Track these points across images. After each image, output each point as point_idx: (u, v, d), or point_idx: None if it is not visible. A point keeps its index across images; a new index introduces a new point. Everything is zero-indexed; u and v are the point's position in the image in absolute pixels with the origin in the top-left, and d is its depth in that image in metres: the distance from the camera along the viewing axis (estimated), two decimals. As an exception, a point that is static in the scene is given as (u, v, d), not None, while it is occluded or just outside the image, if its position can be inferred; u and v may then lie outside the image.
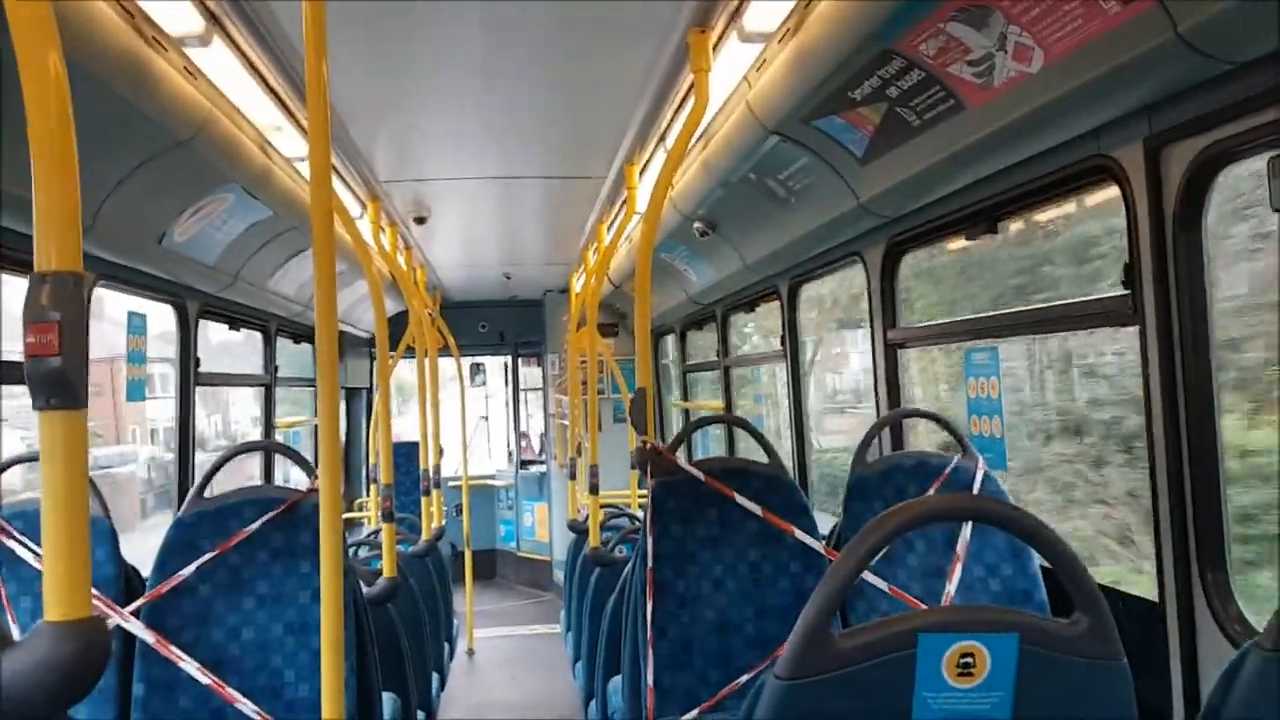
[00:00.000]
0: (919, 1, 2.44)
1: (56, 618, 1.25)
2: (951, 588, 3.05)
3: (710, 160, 4.25)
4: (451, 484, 9.53)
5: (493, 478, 11.45)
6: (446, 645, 6.34)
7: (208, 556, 2.96)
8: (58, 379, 1.24)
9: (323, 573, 2.14)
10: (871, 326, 4.23)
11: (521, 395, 11.59)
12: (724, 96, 3.71)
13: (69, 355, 1.25)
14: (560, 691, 6.71)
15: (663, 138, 4.30)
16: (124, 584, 3.13)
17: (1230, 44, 2.00)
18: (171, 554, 3.00)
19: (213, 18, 2.86)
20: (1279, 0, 1.83)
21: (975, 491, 3.25)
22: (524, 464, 11.07)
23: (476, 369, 11.69)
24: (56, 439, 1.26)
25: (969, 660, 1.31)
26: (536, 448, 11.33)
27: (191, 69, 3.14)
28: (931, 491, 3.31)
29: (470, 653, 8.09)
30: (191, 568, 2.94)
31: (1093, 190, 2.90)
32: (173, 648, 2.77)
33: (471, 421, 9.96)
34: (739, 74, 3.49)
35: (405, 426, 12.44)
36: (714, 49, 3.18)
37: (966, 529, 3.14)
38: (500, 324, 10.94)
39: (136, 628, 2.78)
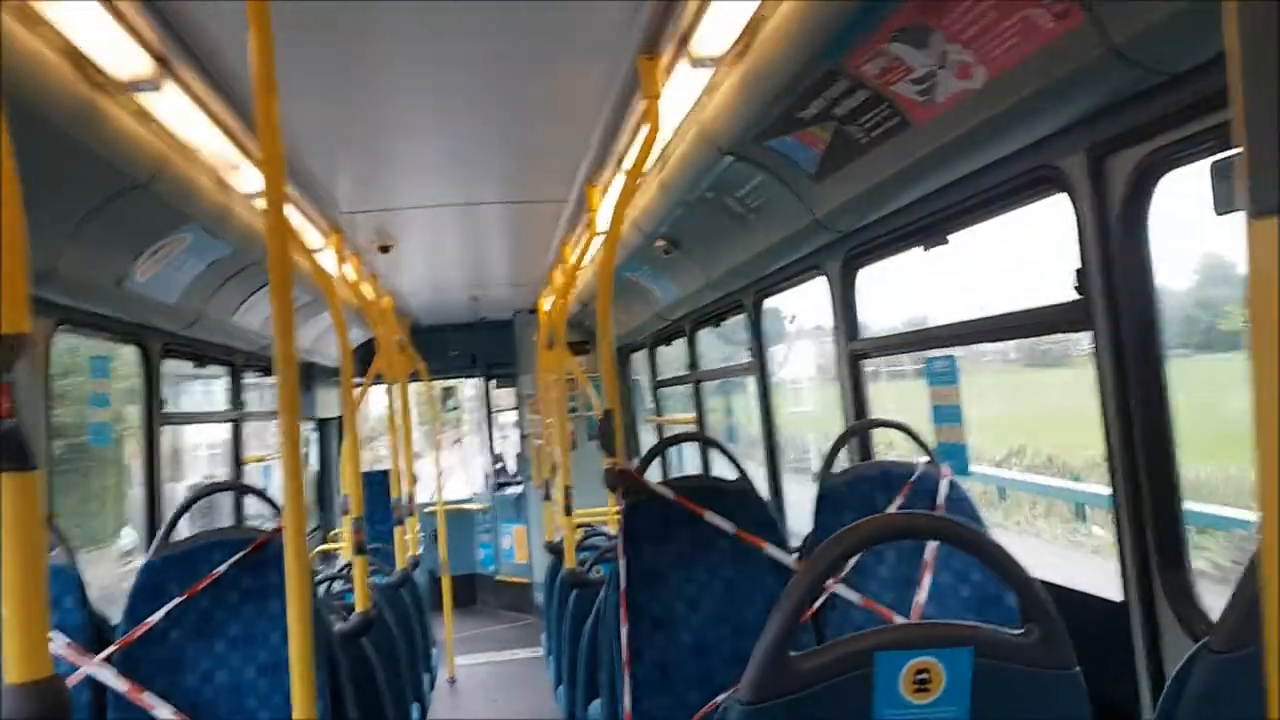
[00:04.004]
0: (861, 24, 2.48)
1: (16, 680, 1.25)
2: (922, 597, 3.08)
3: (668, 181, 4.28)
4: (427, 510, 9.48)
5: (469, 501, 11.39)
6: (427, 675, 6.30)
7: (176, 601, 2.95)
8: (10, 442, 1.24)
9: (290, 612, 2.13)
10: (836, 338, 4.27)
11: (495, 417, 11.57)
12: (677, 120, 3.75)
13: (21, 417, 1.25)
14: (543, 716, 6.69)
15: (620, 160, 4.34)
16: (93, 632, 3.10)
17: (1162, 55, 2.05)
18: (141, 599, 2.98)
19: (161, 61, 2.86)
20: (1207, 14, 1.88)
21: (940, 499, 3.28)
22: (500, 486, 11.04)
23: (448, 393, 11.66)
24: (11, 502, 1.26)
25: (925, 676, 1.33)
26: (512, 469, 11.30)
27: (144, 112, 3.14)
28: (898, 500, 3.35)
29: (452, 681, 8.05)
30: (161, 613, 2.92)
31: (1041, 199, 2.96)
32: (145, 694, 2.76)
33: (446, 446, 9.92)
34: (691, 98, 3.52)
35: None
36: (664, 74, 3.22)
37: None
38: (471, 346, 10.92)
39: (108, 676, 2.76)
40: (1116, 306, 2.54)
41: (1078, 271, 2.69)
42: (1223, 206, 2.26)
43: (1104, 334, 2.58)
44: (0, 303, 1.25)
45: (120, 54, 2.74)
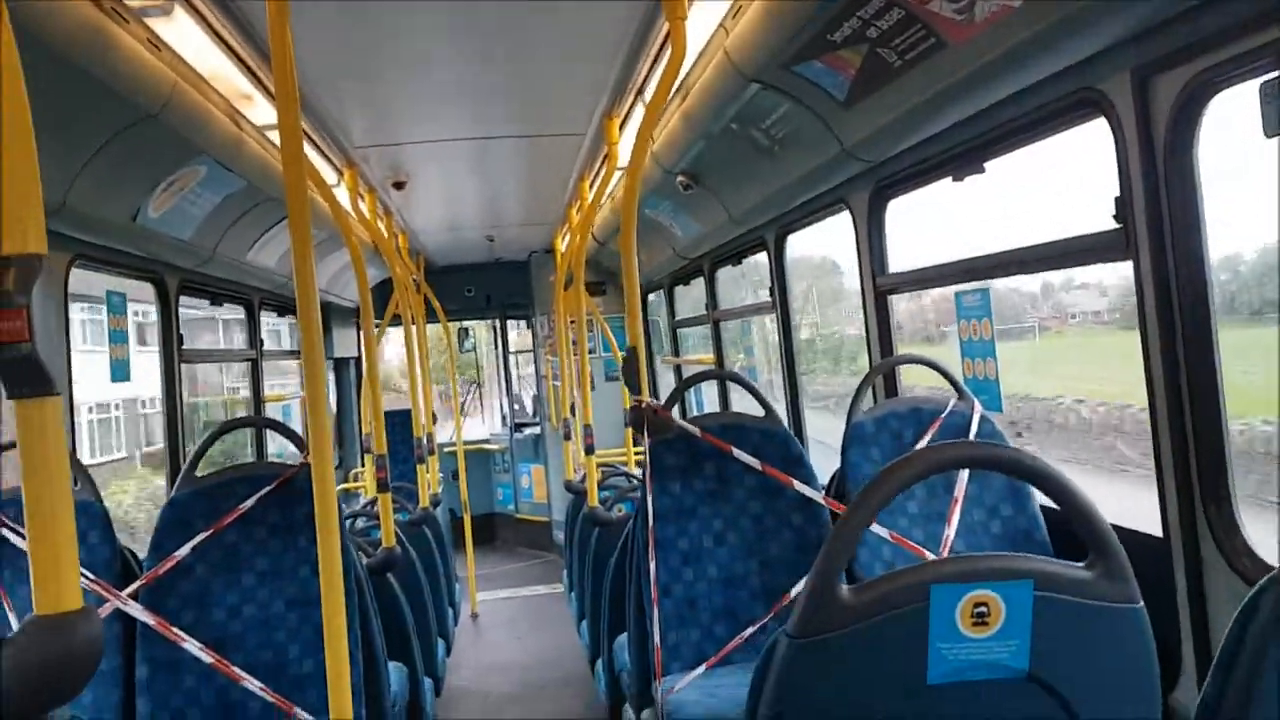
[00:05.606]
0: None
1: (47, 610, 1.22)
2: (951, 532, 3.05)
3: (690, 111, 4.18)
4: (447, 450, 9.51)
5: (487, 441, 11.44)
6: (450, 610, 6.36)
7: (203, 536, 2.94)
8: (30, 366, 1.20)
9: (320, 547, 2.12)
10: (861, 274, 4.19)
11: (512, 358, 11.55)
12: (701, 45, 3.64)
13: (41, 340, 1.21)
14: (566, 650, 6.75)
15: (641, 90, 4.23)
16: (120, 566, 3.11)
17: None
18: (167, 534, 2.98)
19: None
20: None
21: (972, 435, 3.24)
22: (518, 427, 11.06)
23: (464, 334, 11.65)
24: (33, 428, 1.22)
25: (983, 610, 1.29)
26: (530, 410, 11.31)
27: (155, 40, 3.06)
28: (928, 436, 3.30)
29: (474, 616, 8.13)
30: (187, 547, 2.92)
31: (1080, 124, 2.85)
32: (174, 628, 2.76)
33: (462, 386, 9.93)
34: (715, 21, 3.41)
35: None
36: None
37: (964, 472, 3.14)
38: (486, 287, 10.85)
39: (136, 610, 2.76)
40: (1161, 234, 2.45)
41: (1118, 200, 2.60)
42: (1273, 129, 2.17)
43: (1147, 263, 2.49)
44: (8, 223, 1.20)
45: (130, -23, 2.67)
